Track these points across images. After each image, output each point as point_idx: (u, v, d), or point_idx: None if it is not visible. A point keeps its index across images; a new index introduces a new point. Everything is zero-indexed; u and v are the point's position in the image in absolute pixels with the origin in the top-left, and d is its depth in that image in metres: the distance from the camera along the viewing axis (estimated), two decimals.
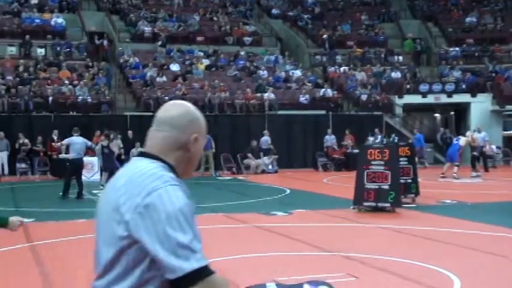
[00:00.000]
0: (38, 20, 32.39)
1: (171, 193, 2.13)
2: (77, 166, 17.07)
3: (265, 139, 26.19)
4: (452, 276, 7.57)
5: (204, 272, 2.10)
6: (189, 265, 2.07)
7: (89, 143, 17.65)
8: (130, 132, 24.30)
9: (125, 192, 2.17)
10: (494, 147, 28.64)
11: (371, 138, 25.94)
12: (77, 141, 17.10)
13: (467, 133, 23.81)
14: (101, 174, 20.24)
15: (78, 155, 16.99)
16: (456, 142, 22.10)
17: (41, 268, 8.26)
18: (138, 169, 2.22)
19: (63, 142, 18.13)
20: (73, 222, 12.45)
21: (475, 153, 22.61)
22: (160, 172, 2.20)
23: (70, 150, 17.32)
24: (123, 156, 23.52)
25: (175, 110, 2.34)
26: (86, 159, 22.63)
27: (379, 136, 26.15)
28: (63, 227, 11.82)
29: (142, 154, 2.32)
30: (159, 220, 2.08)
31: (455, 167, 21.37)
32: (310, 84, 31.08)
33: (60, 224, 12.34)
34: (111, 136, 18.74)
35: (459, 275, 7.58)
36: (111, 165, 18.90)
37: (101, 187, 18.71)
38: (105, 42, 32.28)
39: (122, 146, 23.24)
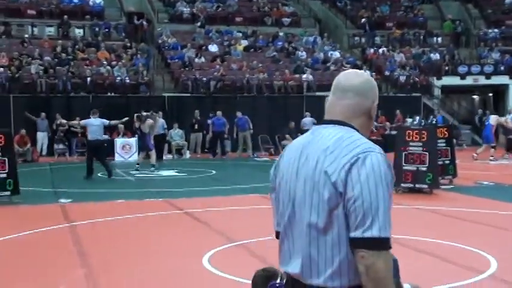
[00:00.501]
0: (76, 0, 32.65)
1: (379, 158, 2.24)
2: (95, 148, 17.22)
3: (309, 120, 26.22)
4: (489, 256, 7.59)
5: (387, 243, 2.16)
6: (380, 232, 2.13)
7: (107, 122, 17.72)
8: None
9: (329, 156, 2.23)
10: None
11: (410, 120, 25.77)
12: (95, 123, 17.22)
13: (505, 117, 23.41)
14: (138, 154, 20.49)
15: (95, 137, 17.13)
16: (487, 123, 21.85)
17: (78, 248, 8.43)
18: (339, 134, 2.30)
19: (81, 123, 18.30)
20: (110, 202, 12.65)
21: (510, 136, 22.21)
22: (362, 138, 2.32)
23: (88, 132, 17.50)
24: (167, 137, 23.84)
25: (357, 78, 2.45)
26: (124, 140, 23.16)
27: (417, 118, 25.95)
28: (100, 208, 12.02)
29: (329, 122, 2.40)
30: (364, 181, 2.16)
31: (492, 149, 21.14)
32: (348, 65, 30.91)
33: (98, 204, 12.53)
34: (143, 117, 18.85)
35: (495, 255, 7.59)
36: (144, 145, 19.11)
37: (137, 166, 18.98)
38: (144, 23, 32.52)
39: (165, 126, 23.49)
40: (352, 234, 2.14)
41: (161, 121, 22.98)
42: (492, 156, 21.03)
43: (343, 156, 2.21)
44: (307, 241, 2.25)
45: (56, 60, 27.43)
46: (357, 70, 2.55)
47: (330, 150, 2.24)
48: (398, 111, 27.11)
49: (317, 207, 2.21)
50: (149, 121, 18.83)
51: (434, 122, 24.73)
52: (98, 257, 7.92)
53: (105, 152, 18.53)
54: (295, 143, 2.47)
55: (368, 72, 29.92)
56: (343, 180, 2.17)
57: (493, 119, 21.72)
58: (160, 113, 23.33)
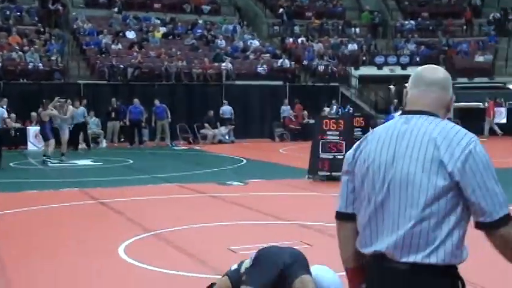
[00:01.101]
0: None
1: (481, 146, 2.45)
2: None
3: (228, 108, 26.15)
4: None
5: (509, 218, 2.44)
6: (503, 211, 2.43)
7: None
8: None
9: (442, 145, 2.43)
10: None
11: (327, 109, 26.06)
12: None
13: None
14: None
15: None
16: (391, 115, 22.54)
17: None
18: (441, 124, 2.49)
19: None
20: (21, 193, 12.15)
21: None
22: (461, 128, 2.50)
23: None
24: (88, 125, 23.10)
25: (441, 72, 2.66)
26: (37, 128, 22.28)
27: (334, 107, 26.30)
28: (11, 198, 11.55)
29: (418, 112, 2.56)
30: (478, 170, 2.40)
31: None
32: (268, 54, 31.00)
33: (8, 195, 12.00)
34: (44, 105, 18.02)
35: None
36: (43, 134, 18.18)
37: (44, 157, 17.94)
38: (59, 7, 31.48)
39: (86, 114, 22.77)
40: (488, 219, 2.41)
41: (81, 109, 22.42)
42: None
43: (455, 147, 2.42)
44: (408, 221, 2.44)
45: None
46: (434, 65, 2.75)
47: (440, 140, 2.44)
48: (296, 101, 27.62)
49: (426, 192, 2.41)
50: (50, 111, 17.89)
51: (350, 111, 25.15)
52: (8, 251, 7.55)
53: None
54: (382, 130, 2.61)
55: (287, 61, 30.19)
56: (460, 170, 2.39)
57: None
58: (69, 101, 22.22)
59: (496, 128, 27.89)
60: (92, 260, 7.05)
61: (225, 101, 26.38)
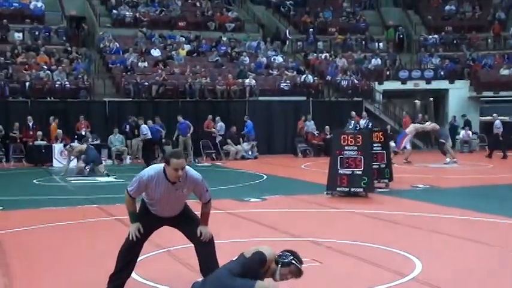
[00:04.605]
0: (16, 4, 32.04)
1: None
2: None
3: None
4: (415, 259, 7.67)
5: None
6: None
7: None
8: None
9: None
10: (470, 132, 29.04)
11: (350, 124, 26.16)
12: None
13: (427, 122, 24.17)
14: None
15: None
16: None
17: (1, 258, 8.18)
18: None
19: None
20: (41, 210, 12.35)
21: (442, 140, 22.64)
22: None
23: None
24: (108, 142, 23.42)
25: None
26: (62, 145, 22.59)
27: (352, 122, 26.32)
28: (30, 215, 11.71)
29: None
30: None
31: (393, 154, 21.92)
32: (291, 70, 31.10)
33: (28, 212, 12.19)
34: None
35: (422, 258, 7.68)
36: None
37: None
38: (85, 27, 32.01)
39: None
40: None
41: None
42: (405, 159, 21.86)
43: None
44: None
45: None
46: None
47: None
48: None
49: None
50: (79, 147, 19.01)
51: (370, 126, 25.18)
52: (20, 267, 7.69)
53: None
54: None
55: (310, 76, 30.27)
56: None
57: (409, 128, 22.38)
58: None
59: None
60: (103, 277, 7.13)
61: (246, 117, 26.54)
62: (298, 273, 5.60)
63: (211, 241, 6.33)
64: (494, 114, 25.44)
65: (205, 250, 6.27)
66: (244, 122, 26.28)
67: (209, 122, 25.78)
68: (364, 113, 27.71)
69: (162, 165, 6.08)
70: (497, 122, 24.54)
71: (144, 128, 22.58)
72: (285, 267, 5.55)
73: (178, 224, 6.44)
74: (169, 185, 6.00)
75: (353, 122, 26.20)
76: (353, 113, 27.18)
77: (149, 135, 22.52)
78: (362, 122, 26.82)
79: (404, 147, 22.46)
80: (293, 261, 5.57)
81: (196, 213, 6.56)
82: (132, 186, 6.14)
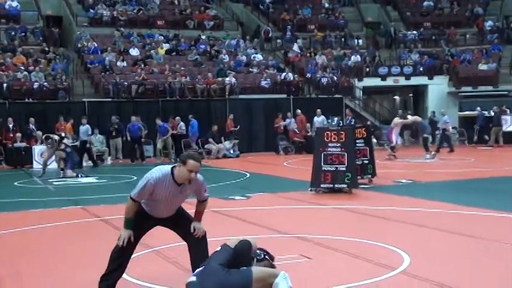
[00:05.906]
0: None
1: None
2: None
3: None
4: (402, 253, 7.69)
5: None
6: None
7: None
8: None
9: None
10: (450, 127, 29.20)
11: (333, 120, 26.22)
12: None
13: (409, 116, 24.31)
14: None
15: None
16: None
17: None
18: None
19: None
20: (24, 212, 12.21)
21: (425, 135, 22.88)
22: None
23: None
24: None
25: None
26: (42, 147, 22.33)
27: (335, 118, 26.39)
28: (13, 218, 11.58)
29: None
30: None
31: (389, 149, 22.23)
32: (271, 68, 31.10)
33: (10, 214, 12.04)
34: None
35: (409, 251, 7.70)
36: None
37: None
38: (62, 27, 31.70)
39: (89, 132, 22.94)
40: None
41: (86, 127, 22.80)
42: (391, 155, 21.83)
43: None
44: None
45: None
46: None
47: None
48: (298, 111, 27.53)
49: None
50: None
51: (352, 122, 25.27)
52: (6, 269, 7.58)
53: None
54: None
55: (290, 74, 30.31)
56: None
57: (393, 122, 22.49)
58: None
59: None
60: (90, 278, 7.06)
61: (230, 115, 26.49)
62: (271, 268, 5.84)
63: (205, 240, 6.29)
64: (478, 108, 25.79)
65: (199, 249, 6.24)
66: (189, 121, 25.53)
67: (174, 122, 25.36)
68: (347, 110, 27.80)
69: (169, 166, 5.99)
70: (446, 117, 25.22)
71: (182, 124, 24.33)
72: (259, 262, 5.77)
73: (173, 224, 6.38)
74: (176, 186, 5.92)
75: (336, 118, 26.25)
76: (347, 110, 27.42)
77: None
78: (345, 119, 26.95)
79: (396, 142, 22.45)
80: (266, 257, 5.84)
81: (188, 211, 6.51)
82: (137, 190, 5.97)
